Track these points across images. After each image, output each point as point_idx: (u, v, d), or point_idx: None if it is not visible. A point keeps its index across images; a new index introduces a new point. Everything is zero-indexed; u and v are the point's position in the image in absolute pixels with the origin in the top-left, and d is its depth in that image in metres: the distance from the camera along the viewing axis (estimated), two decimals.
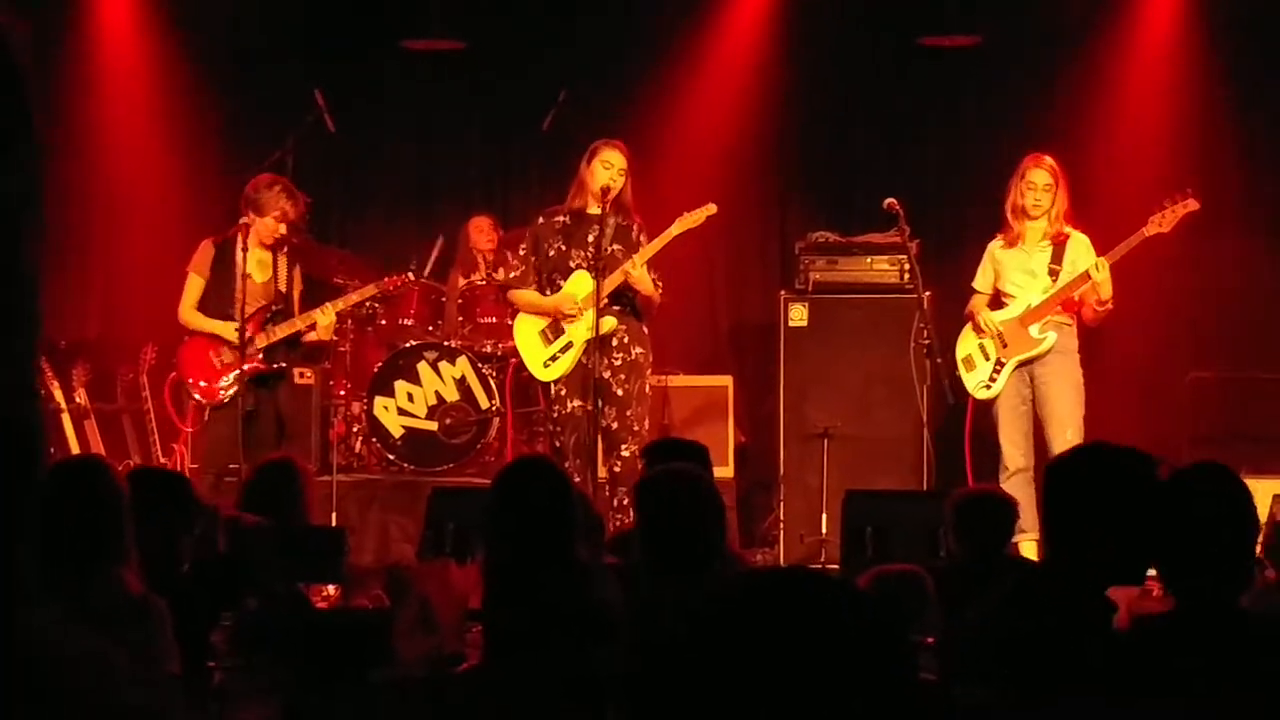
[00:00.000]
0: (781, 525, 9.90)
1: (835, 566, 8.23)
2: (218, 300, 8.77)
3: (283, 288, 8.79)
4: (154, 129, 11.46)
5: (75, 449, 9.96)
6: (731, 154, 11.39)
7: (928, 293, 9.02)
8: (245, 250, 8.65)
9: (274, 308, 8.74)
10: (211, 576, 5.18)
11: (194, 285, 8.84)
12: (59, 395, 10.15)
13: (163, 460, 10.02)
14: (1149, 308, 9.05)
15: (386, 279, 9.30)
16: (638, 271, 8.46)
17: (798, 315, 9.94)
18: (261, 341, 8.69)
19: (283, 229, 8.73)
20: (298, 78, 11.24)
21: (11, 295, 2.35)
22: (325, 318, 8.82)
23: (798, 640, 2.35)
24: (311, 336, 8.91)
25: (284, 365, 8.81)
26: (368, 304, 10.47)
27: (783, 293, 10.12)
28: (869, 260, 9.96)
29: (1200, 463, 3.95)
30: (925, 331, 8.69)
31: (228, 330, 8.68)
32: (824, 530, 9.54)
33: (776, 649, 2.35)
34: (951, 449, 9.76)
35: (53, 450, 9.65)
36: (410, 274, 9.50)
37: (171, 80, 11.43)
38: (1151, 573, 8.67)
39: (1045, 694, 3.77)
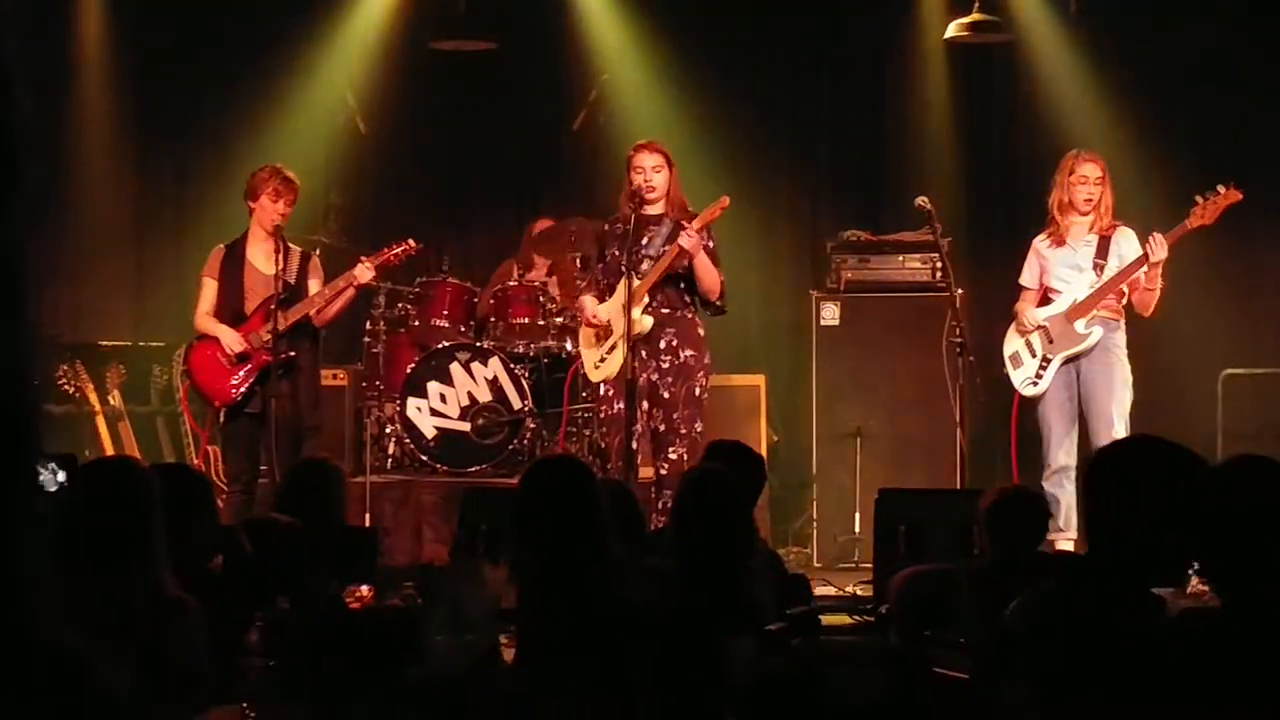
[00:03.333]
0: (814, 524, 9.91)
1: (869, 565, 8.22)
2: (230, 300, 8.80)
3: (291, 279, 8.78)
4: (186, 131, 11.50)
5: (110, 451, 9.99)
6: (762, 153, 11.38)
7: (960, 291, 9.00)
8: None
9: (280, 297, 8.67)
10: (244, 577, 5.19)
11: (207, 289, 8.88)
12: (93, 397, 10.20)
13: (196, 462, 10.05)
14: (1182, 304, 9.01)
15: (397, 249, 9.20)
16: (692, 238, 8.38)
17: (830, 314, 9.95)
18: (267, 333, 8.67)
19: (282, 207, 8.74)
20: (328, 80, 11.27)
21: None
22: (365, 271, 8.82)
23: None
24: (336, 302, 8.84)
25: (293, 354, 8.74)
26: (400, 305, 10.51)
27: (814, 292, 10.13)
28: (901, 259, 9.97)
29: (1246, 455, 3.87)
30: (958, 329, 8.67)
31: (227, 334, 8.70)
32: (857, 529, 9.56)
33: None
34: (985, 447, 9.74)
35: (87, 453, 9.70)
36: (412, 241, 9.30)
37: (203, 84, 11.48)
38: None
39: (1093, 692, 3.74)
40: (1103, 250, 8.67)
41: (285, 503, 6.31)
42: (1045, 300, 8.87)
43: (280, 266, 8.67)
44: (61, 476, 7.16)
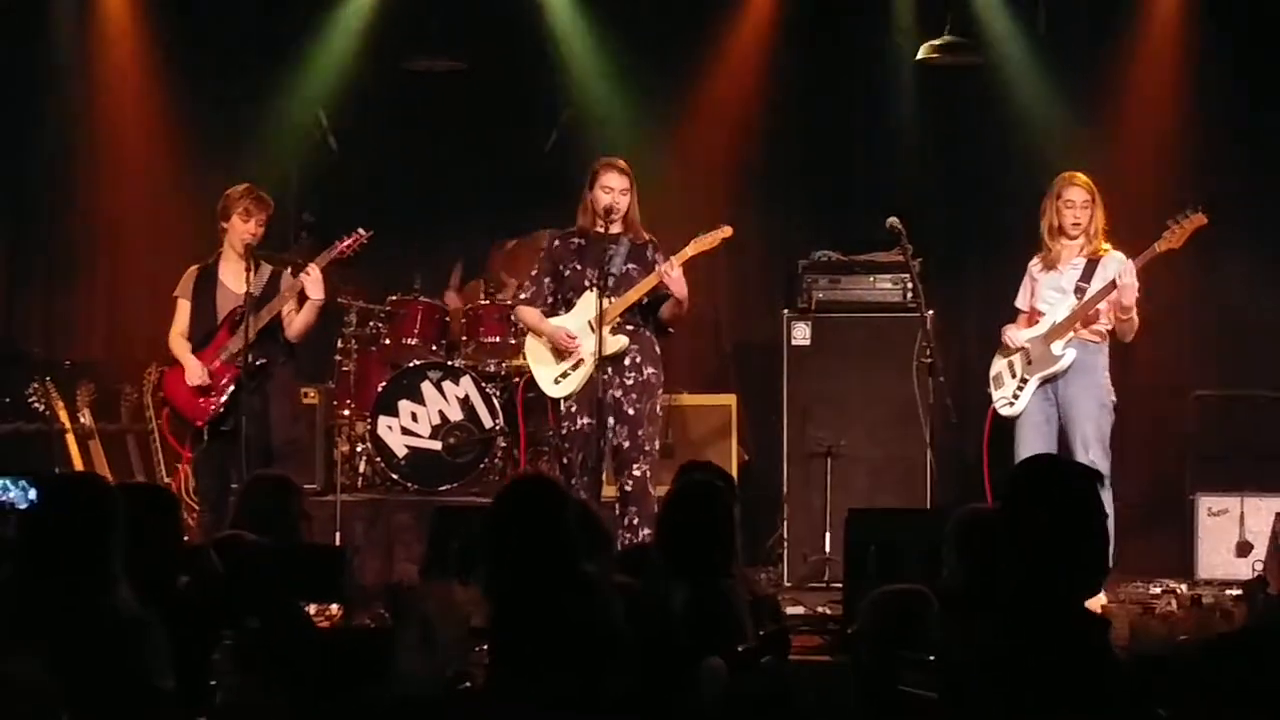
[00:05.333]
0: (785, 544, 9.91)
1: (839, 585, 8.22)
2: (203, 321, 8.77)
3: (257, 293, 8.73)
4: (159, 149, 11.48)
5: (79, 468, 9.94)
6: (733, 173, 11.39)
7: (930, 311, 9.03)
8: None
9: (246, 311, 8.60)
10: (211, 595, 5.17)
11: (181, 310, 8.87)
12: (63, 415, 10.16)
13: (166, 480, 10.02)
14: (1153, 325, 9.03)
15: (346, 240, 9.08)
16: (676, 272, 8.45)
17: (801, 334, 9.97)
18: (235, 345, 8.63)
19: (253, 227, 8.71)
20: (301, 99, 11.27)
21: None
22: (311, 276, 8.72)
23: None
24: (302, 311, 8.80)
25: (264, 361, 8.67)
26: (371, 324, 10.50)
27: (785, 312, 10.14)
28: (871, 279, 10.00)
29: None
30: (928, 350, 8.68)
31: (191, 365, 8.67)
32: (827, 549, 9.55)
33: None
34: (955, 467, 9.76)
35: (57, 470, 9.66)
36: (362, 230, 9.04)
37: (176, 102, 11.46)
38: (1155, 590, 8.66)
39: (1049, 715, 3.76)
40: (1088, 273, 8.66)
41: (245, 518, 6.30)
42: (1035, 323, 8.86)
43: (251, 285, 8.64)
44: (33, 494, 7.14)
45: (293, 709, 4.80)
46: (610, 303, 8.44)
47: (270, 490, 6.58)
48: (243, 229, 8.71)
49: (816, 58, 11.40)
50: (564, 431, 8.63)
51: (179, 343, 8.82)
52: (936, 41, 10.68)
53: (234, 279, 8.73)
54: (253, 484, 6.89)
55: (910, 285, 9.40)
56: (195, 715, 4.58)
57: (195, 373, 8.68)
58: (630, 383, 8.56)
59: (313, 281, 8.72)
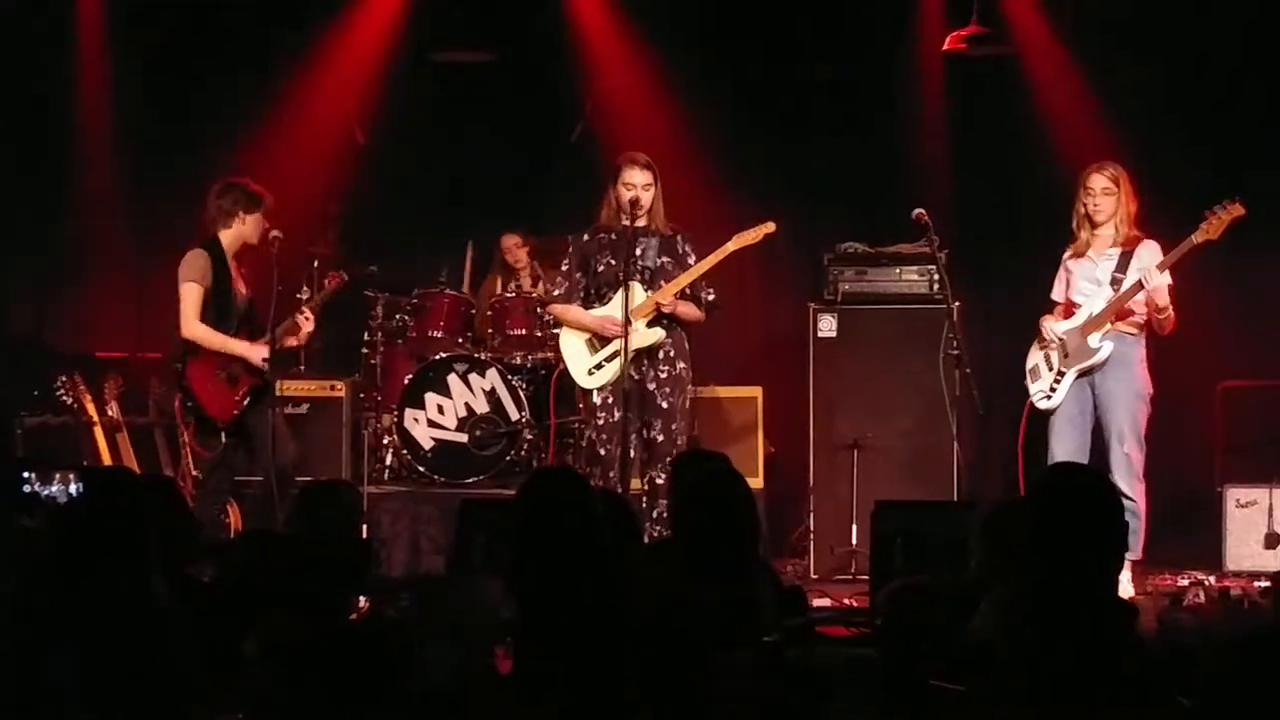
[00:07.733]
0: (812, 536, 9.90)
1: (866, 577, 8.22)
2: (223, 314, 8.73)
3: (253, 296, 8.78)
4: (186, 143, 11.50)
5: (108, 462, 9.97)
6: (759, 164, 11.38)
7: (957, 303, 9.00)
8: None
9: (259, 318, 8.67)
10: (240, 588, 5.19)
11: (195, 295, 8.71)
12: (91, 409, 10.17)
13: (195, 473, 10.03)
14: (1181, 317, 8.99)
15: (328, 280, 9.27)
16: (668, 302, 8.51)
17: (827, 326, 9.95)
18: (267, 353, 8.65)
19: (263, 233, 8.74)
20: (327, 91, 11.29)
21: None
22: (307, 324, 8.85)
23: None
24: (291, 342, 8.94)
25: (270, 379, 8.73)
26: (398, 317, 10.51)
27: (812, 304, 10.12)
28: (898, 271, 9.97)
29: None
30: (954, 341, 8.66)
31: (253, 351, 8.65)
32: (854, 541, 9.55)
33: None
34: (981, 459, 9.75)
35: (85, 464, 9.68)
36: (342, 274, 9.42)
37: (204, 96, 11.49)
38: (1184, 582, 8.62)
39: (1079, 705, 3.75)
40: (1123, 264, 8.62)
41: (303, 519, 6.28)
42: (1072, 314, 8.82)
43: (269, 285, 8.63)
44: (74, 489, 7.15)
45: (320, 701, 4.81)
46: (647, 296, 8.48)
47: (337, 496, 6.51)
48: (256, 230, 8.71)
49: (843, 49, 11.38)
50: (600, 423, 8.62)
51: (209, 331, 8.74)
52: (963, 32, 10.64)
53: (234, 275, 8.79)
54: (320, 488, 6.82)
55: (937, 277, 9.37)
56: (223, 707, 4.59)
57: (258, 352, 8.65)
58: (664, 376, 8.60)
59: (307, 322, 8.88)
